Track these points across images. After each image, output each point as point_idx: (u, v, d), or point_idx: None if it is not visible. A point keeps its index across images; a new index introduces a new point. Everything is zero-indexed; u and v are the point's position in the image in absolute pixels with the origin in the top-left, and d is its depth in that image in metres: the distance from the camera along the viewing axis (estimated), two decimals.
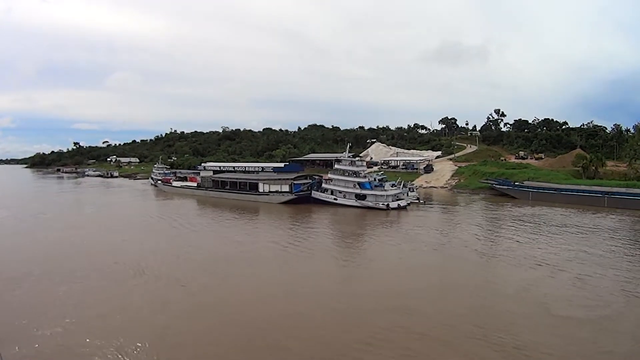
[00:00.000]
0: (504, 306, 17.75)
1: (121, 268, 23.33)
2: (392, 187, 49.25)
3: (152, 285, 20.72)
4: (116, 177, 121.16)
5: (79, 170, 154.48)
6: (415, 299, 18.68)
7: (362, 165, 53.50)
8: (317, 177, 58.64)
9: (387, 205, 46.30)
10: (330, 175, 53.42)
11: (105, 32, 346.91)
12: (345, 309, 17.53)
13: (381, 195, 47.31)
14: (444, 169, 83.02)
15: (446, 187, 71.51)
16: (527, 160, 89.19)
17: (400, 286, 20.60)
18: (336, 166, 53.20)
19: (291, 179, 56.25)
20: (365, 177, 50.55)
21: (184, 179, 78.05)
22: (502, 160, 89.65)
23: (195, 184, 69.77)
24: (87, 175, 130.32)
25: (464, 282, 20.95)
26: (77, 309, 17.50)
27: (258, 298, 18.90)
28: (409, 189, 52.83)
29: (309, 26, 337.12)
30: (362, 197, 48.29)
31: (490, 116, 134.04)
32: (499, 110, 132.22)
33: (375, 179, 50.86)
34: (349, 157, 52.87)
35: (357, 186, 49.14)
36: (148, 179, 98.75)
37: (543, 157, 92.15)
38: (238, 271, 23.20)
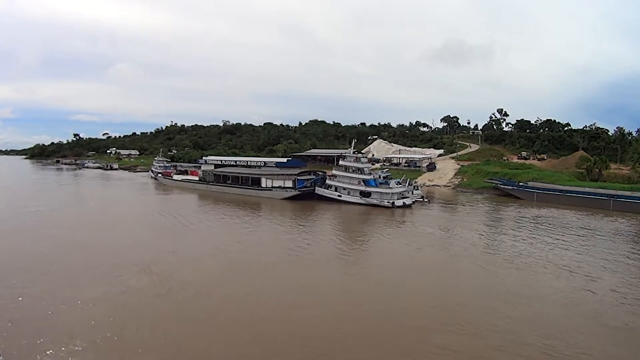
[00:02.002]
0: (556, 314, 17.35)
1: (129, 271, 22.22)
2: (397, 184, 48.74)
3: (169, 295, 19.23)
4: (116, 169, 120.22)
5: (78, 162, 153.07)
6: (459, 303, 18.39)
7: (366, 162, 52.92)
8: (320, 173, 58.02)
9: (393, 203, 45.80)
10: (334, 172, 52.84)
11: (106, 24, 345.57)
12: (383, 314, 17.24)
13: (386, 193, 46.78)
14: (447, 168, 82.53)
15: (449, 186, 71.09)
16: (530, 160, 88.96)
17: (436, 288, 20.62)
18: (340, 162, 52.56)
19: (295, 174, 55.60)
20: (370, 174, 49.93)
21: (185, 172, 77.59)
22: (504, 160, 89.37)
23: (196, 178, 69.10)
24: (87, 167, 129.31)
25: (504, 289, 20.39)
26: (84, 317, 16.52)
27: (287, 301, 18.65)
28: (414, 187, 52.34)
29: (311, 22, 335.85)
30: (366, 194, 47.79)
31: (492, 116, 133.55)
32: (501, 109, 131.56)
33: (380, 176, 50.12)
34: (353, 153, 52.23)
35: (362, 183, 48.62)
36: (148, 171, 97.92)
37: (545, 158, 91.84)
38: (259, 275, 22.22)
